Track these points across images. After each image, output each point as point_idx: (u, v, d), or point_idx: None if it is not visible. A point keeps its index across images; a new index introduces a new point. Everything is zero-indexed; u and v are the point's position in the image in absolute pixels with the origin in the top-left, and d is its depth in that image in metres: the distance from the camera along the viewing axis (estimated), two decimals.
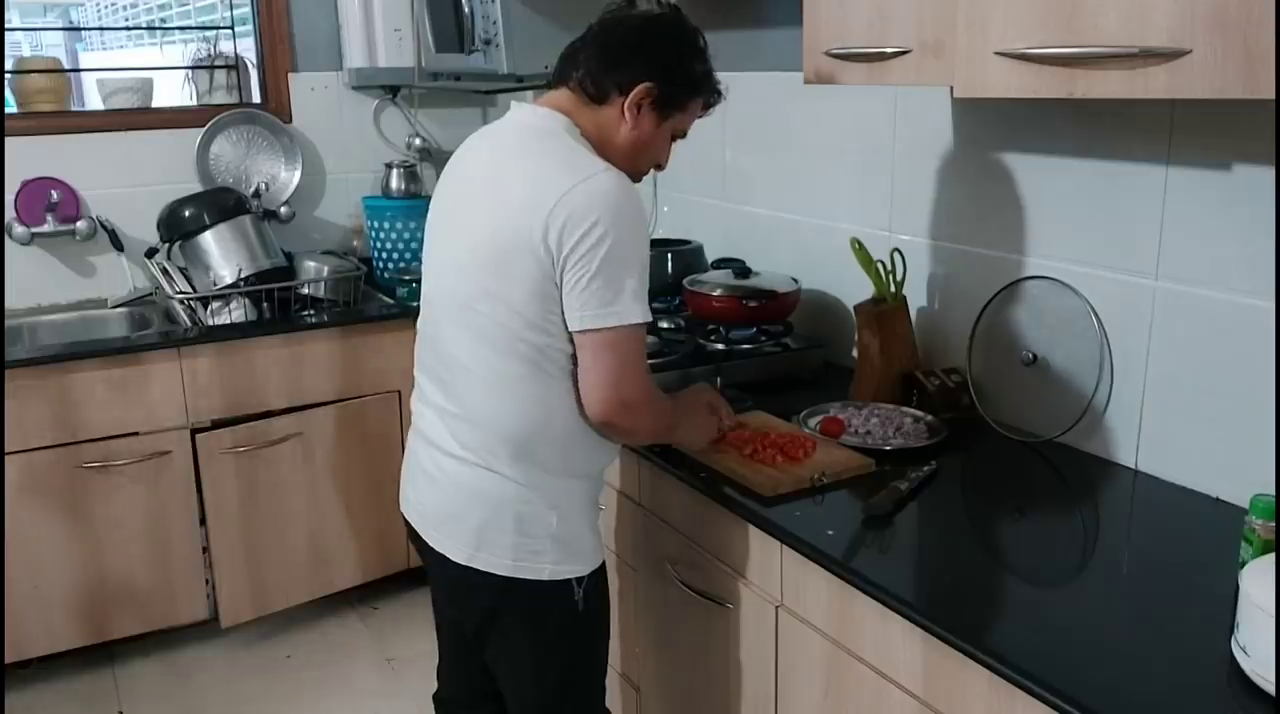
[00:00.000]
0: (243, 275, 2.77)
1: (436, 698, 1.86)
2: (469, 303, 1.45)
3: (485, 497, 1.49)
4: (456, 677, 1.78)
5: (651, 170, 1.62)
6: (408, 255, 3.17)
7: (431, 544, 1.56)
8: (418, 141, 3.40)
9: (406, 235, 3.17)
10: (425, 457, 1.57)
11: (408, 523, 1.64)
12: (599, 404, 1.43)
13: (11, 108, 3.03)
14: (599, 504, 1.63)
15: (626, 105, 1.48)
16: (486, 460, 1.48)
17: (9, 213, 2.89)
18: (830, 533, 1.50)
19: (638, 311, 1.40)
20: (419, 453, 1.60)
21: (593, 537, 1.58)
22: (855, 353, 2.13)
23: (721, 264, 2.47)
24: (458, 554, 1.52)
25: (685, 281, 2.31)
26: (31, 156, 2.91)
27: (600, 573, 1.59)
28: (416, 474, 1.61)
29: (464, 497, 1.51)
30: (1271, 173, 1.45)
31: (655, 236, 2.86)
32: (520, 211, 1.39)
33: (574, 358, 1.43)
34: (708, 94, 1.57)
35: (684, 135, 1.59)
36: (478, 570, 1.50)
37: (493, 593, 1.51)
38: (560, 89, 1.52)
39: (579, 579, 1.54)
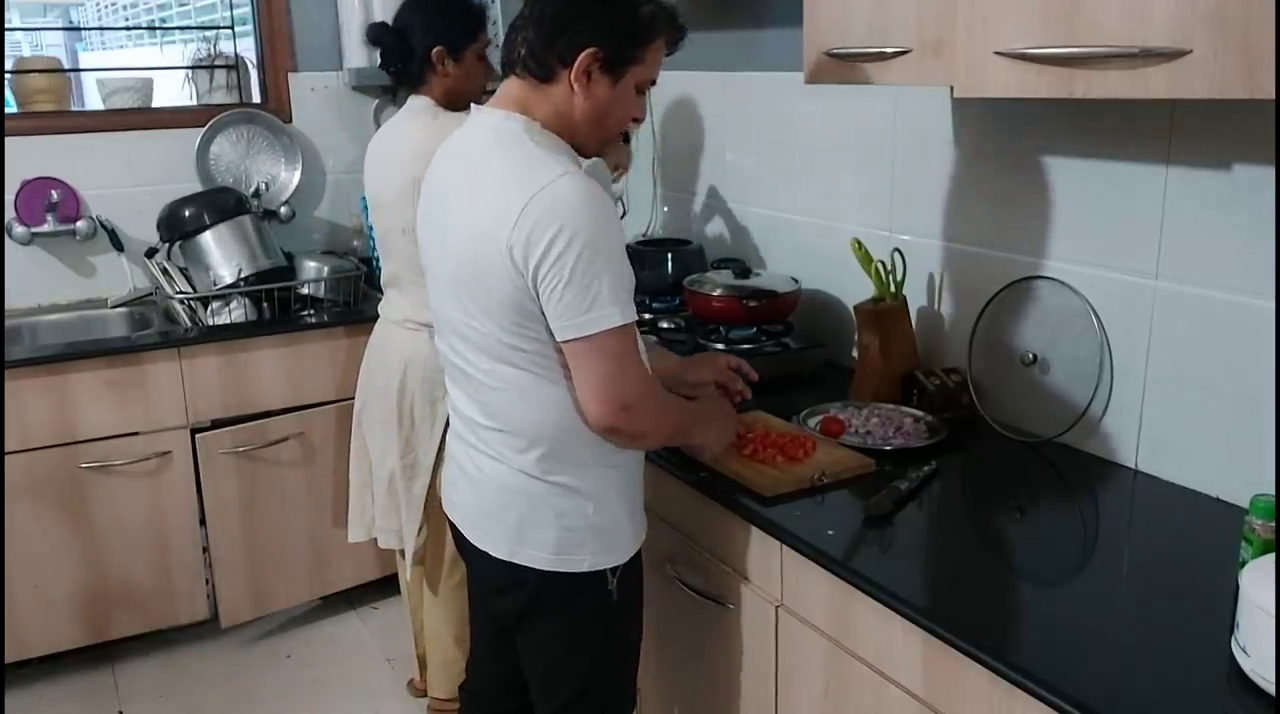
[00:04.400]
0: (243, 275, 2.77)
1: (463, 689, 1.87)
2: (464, 320, 1.46)
3: (522, 494, 1.50)
4: (488, 669, 1.78)
5: (631, 126, 1.54)
6: None
7: (474, 542, 1.57)
8: None
9: None
10: (464, 457, 1.58)
11: (452, 524, 1.65)
12: (598, 411, 1.40)
13: (11, 108, 3.03)
14: (640, 486, 1.61)
15: (573, 77, 1.41)
16: (520, 463, 1.49)
17: (9, 213, 2.89)
18: (830, 533, 1.50)
19: (618, 313, 1.35)
20: (458, 455, 1.61)
21: (630, 526, 1.57)
22: (855, 353, 2.13)
23: (721, 264, 2.47)
24: (499, 550, 1.53)
25: (685, 281, 2.31)
26: (31, 156, 2.91)
27: (635, 561, 1.59)
28: (457, 476, 1.62)
29: (501, 495, 1.52)
30: (1271, 173, 1.45)
31: (655, 237, 2.87)
32: (485, 229, 1.37)
33: None
34: (665, 33, 1.46)
35: (654, 83, 1.50)
36: (519, 565, 1.51)
37: (532, 586, 1.52)
38: (510, 78, 1.48)
39: (613, 569, 1.54)
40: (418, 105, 2.26)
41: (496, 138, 1.44)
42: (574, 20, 1.41)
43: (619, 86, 1.45)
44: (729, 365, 1.84)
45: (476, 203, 1.41)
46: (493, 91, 1.52)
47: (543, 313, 1.37)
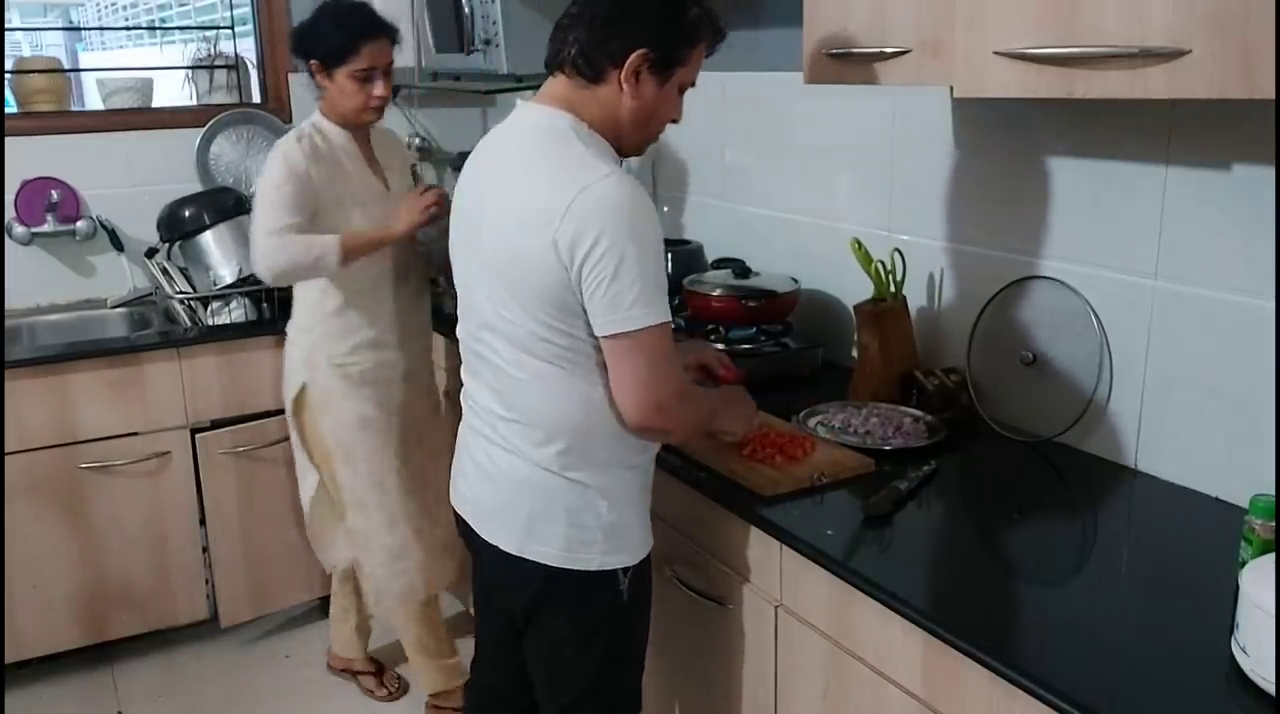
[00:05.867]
0: (243, 275, 2.77)
1: (469, 687, 1.86)
2: (499, 313, 1.46)
3: (536, 488, 1.50)
4: (495, 668, 1.78)
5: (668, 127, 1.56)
6: None
7: (484, 535, 1.57)
8: (417, 141, 3.40)
9: None
10: (478, 449, 1.58)
11: (459, 515, 1.65)
12: (634, 409, 1.42)
13: (11, 108, 3.03)
14: (649, 491, 1.62)
15: (623, 77, 1.43)
16: (537, 457, 1.49)
17: (9, 213, 2.89)
18: (830, 533, 1.50)
19: (658, 311, 1.39)
20: (471, 446, 1.61)
21: (641, 527, 1.58)
22: (855, 353, 2.13)
23: (721, 264, 2.47)
24: (509, 544, 1.53)
25: (685, 281, 2.31)
26: (31, 156, 2.91)
27: (645, 564, 1.59)
28: (469, 467, 1.62)
29: (515, 488, 1.52)
30: (1271, 173, 1.45)
31: None
32: (528, 225, 1.39)
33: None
34: (708, 37, 1.50)
35: (693, 84, 1.52)
36: (528, 560, 1.52)
37: (541, 582, 1.53)
38: (557, 76, 1.49)
39: (625, 570, 1.54)
40: (311, 117, 2.30)
41: (543, 134, 1.45)
42: (626, 21, 1.43)
43: (665, 88, 1.47)
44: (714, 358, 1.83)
45: (521, 196, 1.42)
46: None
47: (583, 308, 1.39)
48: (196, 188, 3.01)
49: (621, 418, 1.45)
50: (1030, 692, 1.13)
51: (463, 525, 1.65)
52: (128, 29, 5.53)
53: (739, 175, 2.59)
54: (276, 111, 3.21)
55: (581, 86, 1.46)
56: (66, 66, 3.37)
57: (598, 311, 1.38)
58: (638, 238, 1.36)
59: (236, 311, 2.75)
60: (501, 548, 1.54)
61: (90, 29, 5.78)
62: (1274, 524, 1.28)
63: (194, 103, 3.23)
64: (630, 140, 1.50)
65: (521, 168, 1.45)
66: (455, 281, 1.59)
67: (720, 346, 2.18)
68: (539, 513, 1.50)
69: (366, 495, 2.35)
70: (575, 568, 1.51)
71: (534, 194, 1.40)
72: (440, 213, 2.23)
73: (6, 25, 2.89)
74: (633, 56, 1.42)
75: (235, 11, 3.32)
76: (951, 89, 1.50)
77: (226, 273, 2.78)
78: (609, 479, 1.51)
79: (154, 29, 4.91)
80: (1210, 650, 1.18)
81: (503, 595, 1.64)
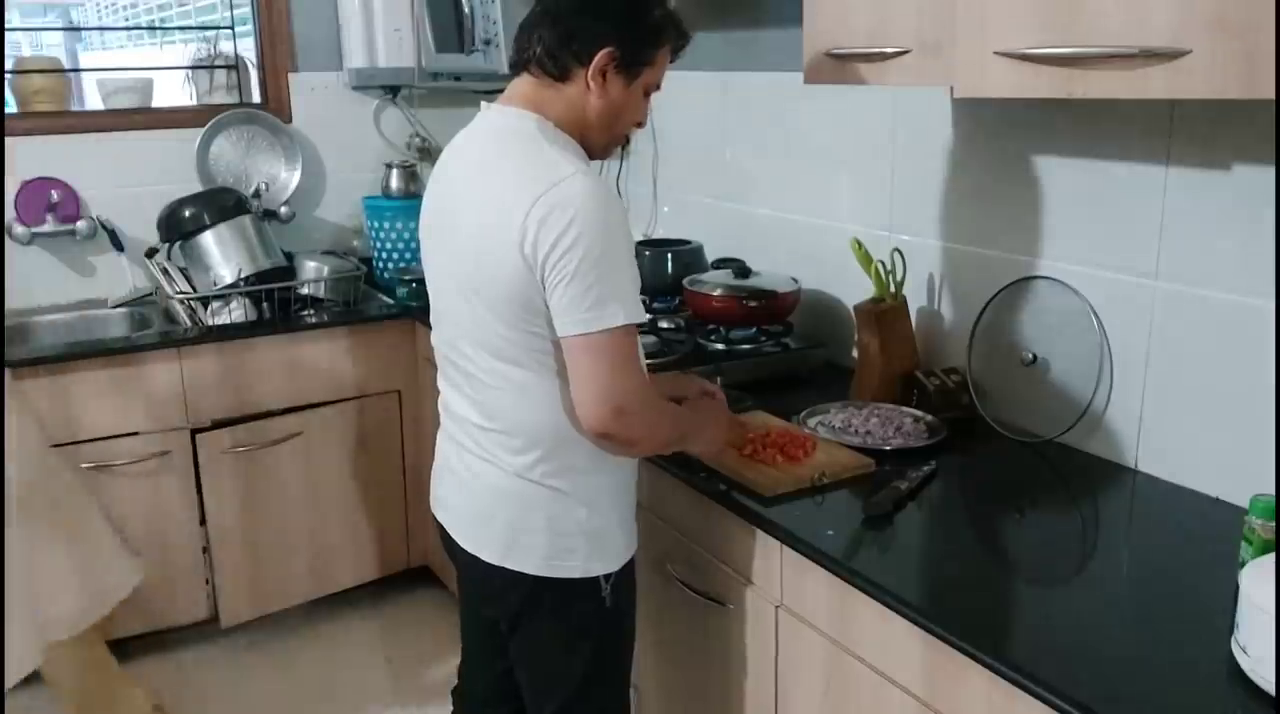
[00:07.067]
0: (243, 275, 2.77)
1: (456, 692, 1.86)
2: (474, 321, 1.45)
3: (516, 497, 1.49)
4: (480, 674, 1.78)
5: (633, 130, 1.56)
6: (408, 255, 3.17)
7: (463, 545, 1.57)
8: (418, 141, 3.40)
9: (406, 235, 3.17)
10: (455, 459, 1.58)
11: (439, 524, 1.65)
12: (592, 412, 1.37)
13: (11, 108, 3.03)
14: (633, 496, 1.61)
15: (590, 75, 1.43)
16: (514, 465, 1.48)
17: (9, 213, 2.89)
18: (830, 533, 1.50)
19: (622, 312, 1.35)
20: (448, 455, 1.60)
21: (622, 533, 1.57)
22: (855, 353, 2.13)
23: (721, 264, 2.47)
24: (489, 554, 1.52)
25: (685, 281, 2.31)
26: (31, 156, 2.90)
27: (628, 569, 1.59)
28: (446, 476, 1.61)
29: (495, 497, 1.51)
30: (1271, 173, 1.45)
31: (655, 237, 2.87)
32: (496, 224, 1.37)
33: None
34: (673, 39, 1.50)
35: (658, 87, 1.53)
36: (509, 570, 1.51)
37: (524, 591, 1.52)
38: (522, 75, 1.48)
39: (607, 576, 1.54)
40: None
41: (510, 135, 1.45)
42: (592, 20, 1.43)
43: (631, 88, 1.47)
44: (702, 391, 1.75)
45: (488, 198, 1.41)
46: None
47: (548, 307, 1.37)
48: (196, 188, 3.00)
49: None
50: (1030, 692, 1.13)
51: (443, 535, 1.64)
52: (128, 29, 5.52)
53: (739, 175, 2.59)
54: (276, 111, 3.21)
55: (547, 86, 1.46)
56: (66, 66, 3.36)
57: (558, 311, 1.36)
58: (601, 237, 1.33)
59: (236, 311, 2.75)
60: (483, 558, 1.53)
61: (90, 29, 5.77)
62: (1274, 524, 1.28)
63: (194, 103, 3.23)
64: (596, 140, 1.49)
65: (488, 170, 1.44)
66: (429, 289, 1.58)
67: (720, 346, 2.19)
68: (519, 522, 1.49)
69: None
70: (557, 576, 1.50)
71: (500, 195, 1.39)
72: None
73: (6, 25, 2.89)
74: (599, 55, 1.42)
75: (235, 11, 3.31)
76: (951, 89, 1.50)
77: (226, 273, 2.77)
78: (588, 485, 1.50)
79: (154, 29, 4.91)
80: (1210, 650, 1.18)
81: (486, 604, 1.64)
